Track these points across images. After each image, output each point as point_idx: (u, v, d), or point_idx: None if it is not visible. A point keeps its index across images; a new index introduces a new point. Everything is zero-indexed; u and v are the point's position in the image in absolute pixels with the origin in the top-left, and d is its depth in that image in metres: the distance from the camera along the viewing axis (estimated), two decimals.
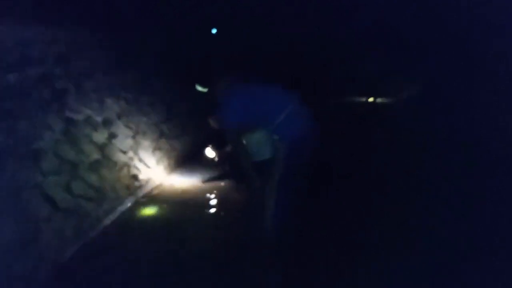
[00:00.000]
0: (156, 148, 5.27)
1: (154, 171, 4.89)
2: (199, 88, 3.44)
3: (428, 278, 2.54)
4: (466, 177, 2.88)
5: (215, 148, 4.89)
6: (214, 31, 10.31)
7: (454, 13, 3.33)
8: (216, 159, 4.97)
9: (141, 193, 4.37)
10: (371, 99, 6.75)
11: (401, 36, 4.31)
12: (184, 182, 4.96)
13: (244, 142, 3.26)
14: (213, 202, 4.30)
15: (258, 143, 3.28)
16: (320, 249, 3.11)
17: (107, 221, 3.67)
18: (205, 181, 4.99)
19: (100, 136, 4.32)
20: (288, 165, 3.05)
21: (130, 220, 3.81)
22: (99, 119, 4.48)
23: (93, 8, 5.20)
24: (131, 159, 4.62)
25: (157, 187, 4.71)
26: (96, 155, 4.08)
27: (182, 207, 4.14)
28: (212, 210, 4.10)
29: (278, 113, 3.06)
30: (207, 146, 4.98)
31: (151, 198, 4.36)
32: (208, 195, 4.49)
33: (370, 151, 5.19)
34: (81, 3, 5.15)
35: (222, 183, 4.89)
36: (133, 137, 4.92)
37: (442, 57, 3.75)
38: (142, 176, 4.58)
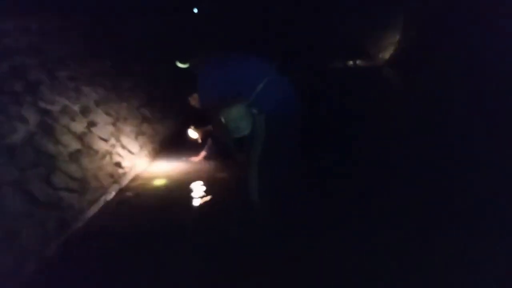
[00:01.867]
0: (139, 134, 5.20)
1: (138, 156, 4.83)
2: (179, 65, 3.30)
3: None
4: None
5: (197, 128, 4.83)
6: (195, 10, 10.16)
7: None
8: (199, 139, 4.92)
9: (125, 180, 4.32)
10: (351, 63, 6.71)
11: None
12: (169, 166, 4.91)
13: (223, 118, 3.16)
14: (200, 184, 4.26)
15: (236, 118, 3.17)
16: (312, 219, 3.08)
17: (91, 212, 3.63)
18: (191, 161, 4.95)
19: (78, 126, 4.24)
20: (269, 138, 2.99)
21: (115, 210, 3.76)
22: (76, 108, 4.40)
23: None
24: (113, 146, 4.55)
25: (142, 173, 4.66)
26: (75, 145, 4.01)
27: (169, 192, 4.11)
28: (200, 193, 4.06)
29: (255, 85, 2.94)
30: (189, 127, 4.92)
31: (137, 185, 4.32)
32: (194, 177, 4.45)
33: (354, 116, 5.17)
34: None
35: (208, 163, 4.85)
36: (114, 124, 4.84)
37: None
38: (125, 163, 4.52)
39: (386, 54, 9.29)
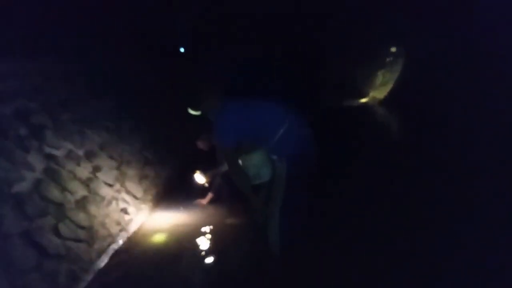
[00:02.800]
0: (142, 177, 5.04)
1: (143, 201, 4.65)
2: (192, 112, 3.24)
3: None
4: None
5: (204, 171, 4.70)
6: (182, 50, 10.30)
7: None
8: (206, 183, 4.78)
9: (132, 227, 4.13)
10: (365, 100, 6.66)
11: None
12: (176, 210, 4.73)
13: (241, 163, 3.09)
14: (211, 229, 4.09)
15: (258, 164, 3.12)
16: (331, 272, 2.95)
17: (101, 262, 3.43)
18: (197, 204, 4.78)
19: (84, 171, 4.08)
20: (290, 185, 2.90)
21: (124, 259, 3.56)
22: (81, 152, 4.24)
23: (65, 37, 4.99)
24: (118, 191, 4.38)
25: (148, 219, 4.47)
26: (81, 192, 3.84)
27: (179, 239, 3.93)
28: (211, 239, 3.89)
29: (275, 130, 2.89)
30: (194, 170, 4.80)
31: (144, 232, 4.13)
32: (204, 222, 4.28)
33: (373, 154, 5.10)
34: (51, 33, 4.94)
35: (215, 207, 4.68)
36: (118, 168, 4.68)
37: None
38: (131, 208, 4.34)
39: (380, 94, 9.45)
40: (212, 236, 3.95)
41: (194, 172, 4.75)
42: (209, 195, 4.78)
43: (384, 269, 2.74)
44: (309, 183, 3.00)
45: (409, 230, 3.10)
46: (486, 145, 3.50)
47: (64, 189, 3.65)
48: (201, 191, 4.89)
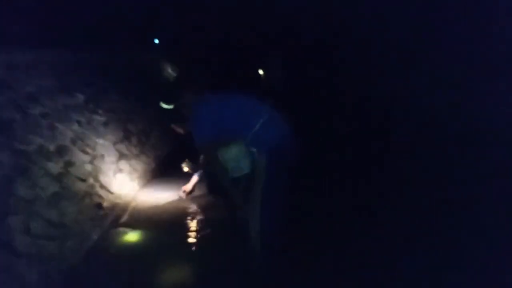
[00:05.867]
0: (117, 171, 4.92)
1: (118, 196, 4.55)
2: (164, 106, 3.20)
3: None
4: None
5: (189, 162, 4.68)
6: (156, 41, 10.07)
7: None
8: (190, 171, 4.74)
9: (107, 223, 4.03)
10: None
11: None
12: (152, 204, 4.65)
13: (220, 157, 3.06)
14: (188, 224, 4.04)
15: (236, 157, 3.08)
16: (315, 266, 2.95)
17: (73, 260, 3.32)
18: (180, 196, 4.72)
19: (55, 166, 3.95)
20: (269, 178, 2.87)
21: (98, 257, 3.46)
22: (52, 147, 4.10)
23: (34, 25, 4.80)
24: (92, 186, 4.26)
25: (123, 214, 4.37)
26: (53, 188, 3.71)
27: (155, 234, 3.86)
28: (191, 235, 3.83)
29: (253, 123, 2.87)
30: (169, 163, 4.77)
31: (119, 228, 4.03)
32: (182, 216, 4.23)
33: (354, 151, 5.12)
34: (20, 20, 4.75)
35: (194, 202, 4.63)
36: (91, 162, 4.56)
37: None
38: (106, 203, 4.24)
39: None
40: (191, 232, 3.89)
41: (180, 163, 4.73)
42: (188, 185, 4.71)
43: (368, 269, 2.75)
44: (292, 178, 2.98)
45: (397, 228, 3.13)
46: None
47: (34, 185, 3.52)
48: (178, 183, 4.86)
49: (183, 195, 4.68)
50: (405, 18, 3.60)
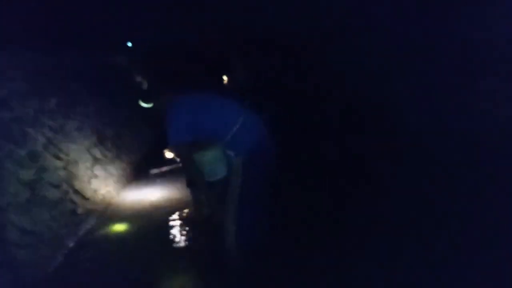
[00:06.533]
0: (92, 177, 4.83)
1: (93, 202, 4.46)
2: (143, 104, 3.09)
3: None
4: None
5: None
6: (129, 44, 9.93)
7: None
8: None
9: (82, 229, 3.95)
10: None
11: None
12: (129, 210, 4.58)
13: (195, 160, 2.98)
14: (167, 228, 3.99)
15: (212, 161, 2.99)
16: (294, 268, 2.95)
17: (48, 268, 3.24)
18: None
19: (27, 172, 3.84)
20: (246, 182, 2.85)
21: (73, 265, 3.37)
22: (23, 152, 3.99)
23: (4, 27, 4.64)
24: (66, 193, 4.17)
25: (98, 220, 4.29)
26: (25, 195, 3.61)
27: (131, 238, 3.81)
28: (168, 237, 3.78)
29: (230, 126, 2.80)
30: (144, 167, 4.79)
31: (94, 235, 3.95)
32: (157, 220, 4.17)
33: (333, 152, 5.10)
34: None
35: (172, 205, 4.58)
36: (64, 168, 4.46)
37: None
38: (80, 210, 4.15)
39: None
40: (169, 236, 3.84)
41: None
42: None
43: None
44: (269, 182, 2.96)
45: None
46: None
47: (5, 192, 3.42)
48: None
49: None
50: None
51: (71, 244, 3.66)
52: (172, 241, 3.71)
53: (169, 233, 3.85)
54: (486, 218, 2.47)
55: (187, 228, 3.93)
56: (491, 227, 2.40)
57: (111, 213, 4.51)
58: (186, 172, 3.14)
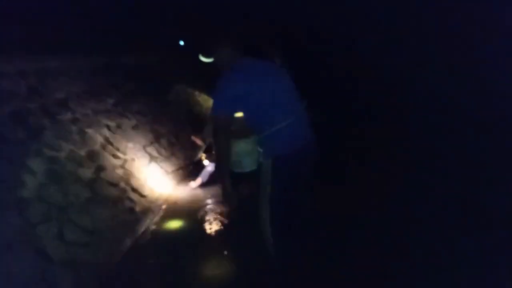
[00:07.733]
0: (148, 175, 4.88)
1: (150, 200, 4.50)
2: (203, 58, 2.89)
3: None
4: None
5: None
6: (181, 43, 9.98)
7: None
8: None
9: (140, 228, 3.98)
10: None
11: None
12: (184, 207, 4.59)
13: (230, 147, 2.60)
14: (221, 224, 3.97)
15: (241, 153, 2.71)
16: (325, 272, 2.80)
17: (107, 267, 3.27)
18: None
19: (86, 172, 3.92)
20: (275, 184, 2.57)
21: (133, 264, 3.40)
22: (82, 152, 4.08)
23: (59, 34, 4.79)
24: (124, 191, 4.23)
25: (156, 218, 4.32)
26: (85, 194, 3.68)
27: (189, 239, 3.79)
28: (220, 239, 3.76)
29: (278, 121, 2.49)
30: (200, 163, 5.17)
31: (152, 233, 3.98)
32: (212, 218, 4.16)
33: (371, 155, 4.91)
34: (46, 29, 4.75)
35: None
36: (122, 166, 4.53)
37: None
38: (138, 207, 4.19)
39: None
40: (221, 236, 3.81)
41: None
42: (198, 179, 5.19)
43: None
44: (306, 187, 2.74)
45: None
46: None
47: (67, 192, 3.50)
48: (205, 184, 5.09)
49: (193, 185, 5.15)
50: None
51: (129, 243, 3.69)
52: (227, 239, 3.66)
53: (223, 231, 3.81)
54: None
55: (240, 226, 3.85)
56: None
57: (168, 211, 4.53)
58: (216, 154, 2.82)
